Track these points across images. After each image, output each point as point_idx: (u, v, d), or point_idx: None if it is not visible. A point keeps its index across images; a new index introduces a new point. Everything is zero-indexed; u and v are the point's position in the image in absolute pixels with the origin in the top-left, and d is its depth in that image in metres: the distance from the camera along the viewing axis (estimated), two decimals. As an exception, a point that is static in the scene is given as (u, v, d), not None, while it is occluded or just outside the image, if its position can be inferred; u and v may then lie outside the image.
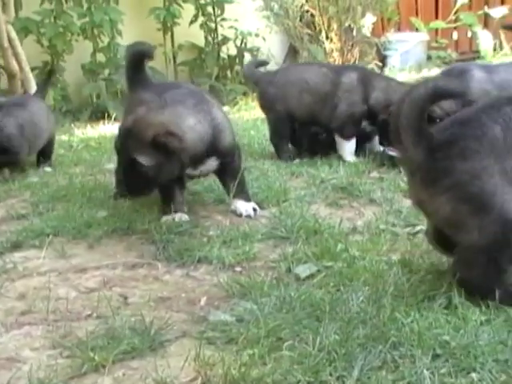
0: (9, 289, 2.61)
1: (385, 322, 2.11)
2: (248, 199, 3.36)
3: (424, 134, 2.25)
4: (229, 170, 3.28)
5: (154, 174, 2.95)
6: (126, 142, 2.94)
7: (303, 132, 4.54)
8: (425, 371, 1.85)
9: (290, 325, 2.15)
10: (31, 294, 2.55)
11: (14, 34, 5.23)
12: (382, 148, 4.43)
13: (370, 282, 2.43)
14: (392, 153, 4.16)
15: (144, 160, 2.90)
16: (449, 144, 2.24)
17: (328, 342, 2.01)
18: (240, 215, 3.31)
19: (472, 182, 2.20)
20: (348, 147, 4.37)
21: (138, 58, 3.54)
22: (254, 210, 3.34)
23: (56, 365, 2.03)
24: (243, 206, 3.32)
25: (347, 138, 4.36)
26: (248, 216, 3.30)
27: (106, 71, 7.09)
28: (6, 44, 5.15)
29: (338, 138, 4.40)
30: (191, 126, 3.02)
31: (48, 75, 4.96)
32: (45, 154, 4.56)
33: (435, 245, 2.52)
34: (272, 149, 4.55)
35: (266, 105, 4.56)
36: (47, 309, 2.39)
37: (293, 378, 1.85)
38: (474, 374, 1.84)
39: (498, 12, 9.49)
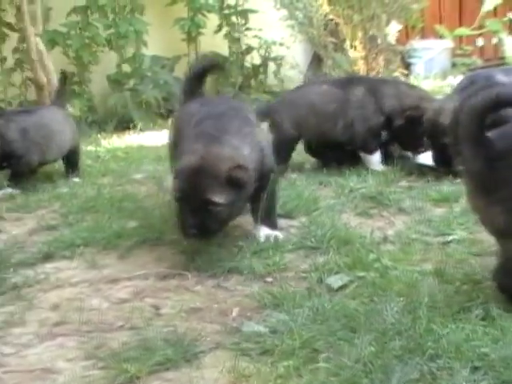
0: (42, 299, 2.62)
1: (421, 334, 2.08)
2: (274, 226, 3.11)
3: (483, 144, 2.20)
4: (261, 193, 3.02)
5: (229, 212, 2.81)
6: (195, 181, 2.74)
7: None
8: (464, 384, 1.83)
9: (324, 336, 2.13)
10: (64, 305, 2.56)
11: (42, 47, 5.29)
12: (410, 156, 4.41)
13: (403, 293, 2.40)
14: (421, 161, 4.13)
15: (219, 198, 2.73)
16: (509, 154, 2.18)
17: (364, 354, 1.98)
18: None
19: None
20: (374, 160, 4.36)
21: (204, 70, 3.47)
22: (276, 239, 3.06)
23: (90, 376, 2.03)
24: (265, 233, 3.07)
25: (371, 152, 4.35)
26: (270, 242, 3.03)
27: (132, 81, 7.14)
28: (35, 56, 5.20)
29: (362, 154, 4.39)
30: (248, 156, 2.88)
31: (61, 82, 4.96)
32: (71, 164, 4.58)
33: None
34: (299, 158, 4.54)
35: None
36: (80, 320, 2.40)
37: (330, 391, 1.83)
38: (514, 387, 1.81)
39: (523, 18, 9.40)
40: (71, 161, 4.59)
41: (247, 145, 2.90)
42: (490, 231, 2.34)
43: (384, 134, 4.34)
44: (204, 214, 2.74)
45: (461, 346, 1.99)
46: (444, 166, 3.87)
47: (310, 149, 4.59)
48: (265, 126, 3.16)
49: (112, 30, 6.89)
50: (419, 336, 2.07)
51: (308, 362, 1.99)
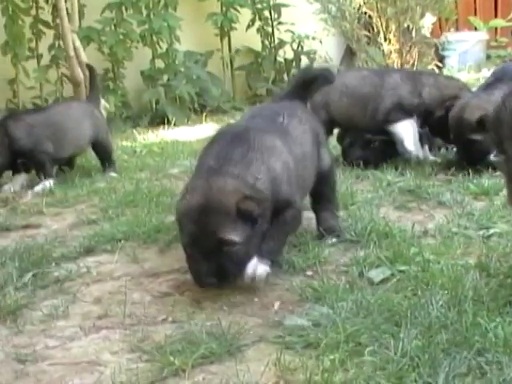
0: (84, 293, 2.65)
1: (467, 328, 2.06)
2: (268, 261, 2.57)
3: None
4: (275, 224, 2.61)
5: (246, 250, 2.47)
6: (204, 220, 2.41)
7: (354, 141, 4.43)
8: (513, 378, 1.80)
9: (368, 330, 2.12)
10: (106, 299, 2.58)
11: (78, 43, 5.34)
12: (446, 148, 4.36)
13: (447, 287, 2.38)
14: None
15: (235, 236, 2.42)
16: None
17: (410, 348, 1.97)
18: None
19: None
20: (405, 134, 4.17)
21: (308, 79, 3.19)
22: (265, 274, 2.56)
23: (137, 369, 2.04)
24: (252, 266, 2.52)
25: (396, 120, 4.17)
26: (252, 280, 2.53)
27: (165, 77, 7.17)
28: (72, 53, 5.25)
29: (390, 130, 4.22)
30: (255, 185, 2.53)
31: (90, 76, 4.98)
32: (101, 158, 4.63)
33: None
34: (336, 152, 4.52)
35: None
36: (123, 313, 2.42)
37: (376, 384, 1.83)
38: None
39: (559, 8, 9.25)
40: (100, 155, 4.63)
41: (253, 173, 2.53)
42: None
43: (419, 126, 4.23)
44: (220, 256, 2.41)
45: (509, 340, 1.97)
46: (469, 163, 3.83)
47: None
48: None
49: (146, 26, 6.92)
50: (465, 330, 2.05)
51: (353, 355, 1.99)
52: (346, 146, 4.40)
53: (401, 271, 2.61)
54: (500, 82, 3.84)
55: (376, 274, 2.61)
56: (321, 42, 7.90)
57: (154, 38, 6.99)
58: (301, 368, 1.93)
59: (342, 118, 4.33)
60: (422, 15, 7.22)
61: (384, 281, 2.55)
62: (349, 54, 8.48)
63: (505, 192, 3.39)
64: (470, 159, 3.85)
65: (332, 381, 1.85)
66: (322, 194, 3.04)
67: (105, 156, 4.63)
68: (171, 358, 2.04)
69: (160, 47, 7.10)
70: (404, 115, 4.18)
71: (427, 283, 2.45)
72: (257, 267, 2.52)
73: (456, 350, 1.95)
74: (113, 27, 6.81)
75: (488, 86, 3.92)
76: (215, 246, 2.41)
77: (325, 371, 1.89)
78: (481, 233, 2.99)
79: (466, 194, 3.54)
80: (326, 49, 7.96)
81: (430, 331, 2.07)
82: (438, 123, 4.18)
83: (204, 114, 6.96)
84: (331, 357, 1.97)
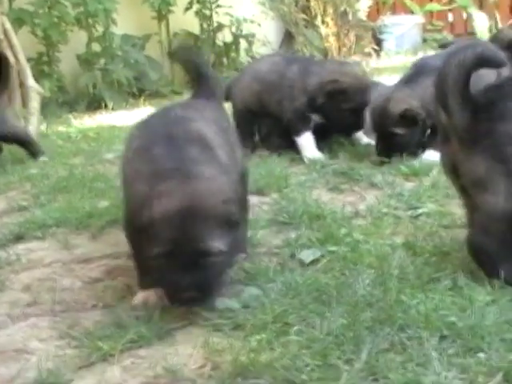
0: (14, 281, 2.61)
1: (391, 305, 2.11)
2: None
3: (469, 98, 2.27)
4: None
5: (229, 259, 2.28)
6: (187, 227, 2.15)
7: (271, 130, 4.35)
8: (433, 352, 1.86)
9: (296, 310, 2.15)
10: (36, 286, 2.55)
11: (8, 25, 5.19)
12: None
13: (374, 266, 2.44)
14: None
15: (221, 244, 2.18)
16: (489, 106, 2.28)
17: (335, 326, 2.01)
18: None
19: (510, 143, 2.23)
20: (304, 143, 4.09)
21: None
22: None
23: (64, 355, 2.03)
24: None
25: (298, 133, 4.10)
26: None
27: (102, 61, 7.07)
28: (1, 35, 5.12)
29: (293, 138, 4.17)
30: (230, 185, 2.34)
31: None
32: (23, 147, 4.50)
33: None
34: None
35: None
36: (53, 300, 2.40)
37: (301, 363, 1.86)
38: (481, 354, 1.85)
39: (492, -7, 9.45)
40: (20, 144, 4.50)
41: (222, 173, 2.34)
42: (467, 184, 2.33)
43: (315, 118, 4.09)
44: (201, 269, 2.14)
45: (430, 316, 2.03)
46: (387, 156, 3.80)
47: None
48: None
49: (81, 9, 6.80)
50: (389, 307, 2.11)
51: (280, 335, 2.02)
52: (265, 135, 4.35)
53: (331, 252, 2.65)
54: (420, 75, 3.80)
55: (307, 255, 2.64)
56: (259, 25, 7.89)
57: (90, 20, 6.87)
58: (228, 349, 1.95)
59: (255, 105, 4.28)
60: (359, -2, 7.30)
61: (314, 262, 2.59)
62: (288, 38, 8.50)
63: (434, 172, 3.50)
64: (389, 152, 3.82)
65: (258, 360, 1.88)
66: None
67: (24, 145, 4.50)
68: (99, 344, 2.04)
69: (96, 30, 6.99)
70: (302, 126, 4.09)
71: (355, 263, 2.50)
72: None
73: (379, 327, 2.00)
74: (46, 9, 6.66)
75: (409, 79, 3.89)
76: (199, 256, 2.14)
77: (251, 351, 1.92)
78: (409, 213, 3.06)
79: (397, 175, 3.61)
80: (265, 32, 7.96)
81: (355, 309, 2.11)
82: (323, 111, 4.05)
83: (142, 98, 6.89)
84: (258, 337, 2.00)
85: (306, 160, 3.99)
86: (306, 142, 4.09)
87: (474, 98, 2.29)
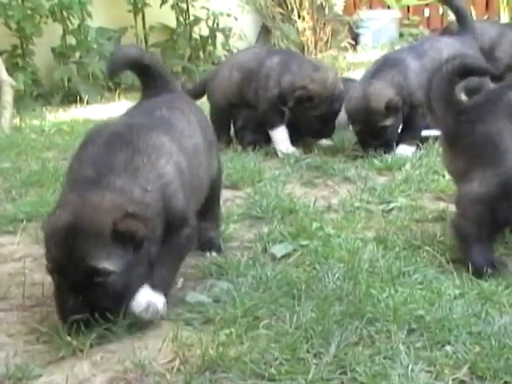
0: (-17, 276, 2.59)
1: (360, 299, 2.13)
2: (164, 292, 2.16)
3: (452, 103, 2.54)
4: (168, 247, 2.20)
5: (126, 280, 2.06)
6: (72, 244, 2.00)
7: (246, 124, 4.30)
8: (400, 346, 1.88)
9: (266, 304, 2.16)
10: (6, 280, 2.53)
11: (-20, 17, 5.13)
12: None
13: (345, 260, 2.45)
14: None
15: (109, 264, 2.02)
16: (471, 109, 2.53)
17: (305, 320, 2.03)
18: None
19: (487, 140, 2.43)
20: (278, 140, 4.07)
21: None
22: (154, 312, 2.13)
23: (33, 350, 2.02)
24: (144, 299, 2.11)
25: (270, 127, 4.09)
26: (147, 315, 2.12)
27: (77, 54, 6.99)
28: (-27, 27, 5.06)
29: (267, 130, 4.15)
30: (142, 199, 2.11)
31: None
32: None
33: None
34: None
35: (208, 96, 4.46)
36: (23, 294, 2.38)
37: (270, 356, 1.87)
38: (448, 347, 1.88)
39: (468, -12, 9.51)
40: None
41: (141, 184, 2.12)
42: (455, 179, 2.60)
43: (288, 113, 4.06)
44: (90, 290, 2.01)
45: (398, 310, 2.05)
46: (387, 147, 3.86)
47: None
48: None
49: (55, 1, 6.70)
50: (359, 301, 2.13)
51: (249, 329, 2.02)
52: (238, 129, 4.32)
53: (303, 246, 2.66)
54: (384, 68, 3.87)
55: (279, 250, 2.65)
56: (236, 18, 7.86)
57: (65, 13, 6.77)
58: (197, 343, 1.95)
59: (235, 96, 4.25)
60: (335, -7, 7.31)
61: (286, 256, 2.61)
62: (265, 32, 8.48)
63: (407, 166, 3.53)
64: (387, 144, 3.85)
65: (227, 355, 1.88)
66: (206, 201, 2.54)
67: None
68: (69, 339, 2.03)
69: (71, 23, 6.90)
70: (276, 119, 4.06)
71: (327, 257, 2.52)
72: (151, 300, 2.10)
73: (349, 320, 2.02)
74: (20, 1, 6.57)
75: (374, 74, 3.89)
76: (85, 275, 1.99)
77: (220, 345, 1.92)
78: (382, 207, 3.08)
79: (370, 169, 3.64)
80: (241, 26, 7.93)
81: (325, 303, 2.13)
82: (291, 113, 4.02)
83: (118, 92, 6.84)
84: (227, 331, 2.01)
85: (279, 154, 4.00)
86: (280, 135, 4.08)
87: (457, 104, 2.55)
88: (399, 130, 3.95)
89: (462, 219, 2.45)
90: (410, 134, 3.92)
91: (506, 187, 2.37)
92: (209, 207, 2.62)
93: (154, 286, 2.12)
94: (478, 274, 2.31)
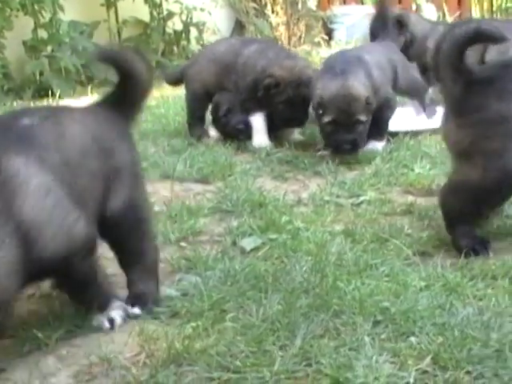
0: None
1: (327, 291, 2.14)
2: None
3: (463, 71, 2.37)
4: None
5: None
6: None
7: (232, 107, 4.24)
8: (365, 337, 1.89)
9: (234, 297, 2.17)
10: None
11: (-51, 11, 5.06)
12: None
13: (313, 253, 2.46)
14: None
15: None
16: (487, 82, 2.36)
17: (271, 313, 2.03)
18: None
19: (501, 122, 2.31)
20: (255, 129, 4.07)
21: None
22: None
23: (-2, 345, 2.01)
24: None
25: (248, 113, 4.08)
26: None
27: (49, 48, 6.93)
28: None
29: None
30: None
31: None
32: None
33: None
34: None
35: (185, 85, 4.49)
36: (-12, 289, 2.35)
37: (236, 349, 1.87)
38: (412, 338, 1.89)
39: (441, -16, 9.57)
40: None
41: None
42: (454, 153, 2.50)
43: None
44: None
45: (364, 302, 2.06)
46: (355, 148, 3.66)
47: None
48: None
49: (26, -6, 6.65)
50: (325, 293, 2.14)
51: (216, 322, 2.03)
52: (223, 114, 4.22)
53: (272, 239, 2.67)
54: (350, 67, 3.70)
55: (248, 243, 2.66)
56: (210, 13, 7.84)
57: (36, 6, 6.70)
58: (163, 337, 1.95)
59: (213, 86, 4.25)
60: (308, -12, 7.32)
61: (255, 249, 2.61)
62: (239, 27, 8.47)
63: (377, 161, 3.55)
64: (355, 141, 3.64)
65: (193, 347, 1.89)
66: (122, 246, 2.18)
67: None
68: (34, 333, 2.01)
69: (43, 17, 6.83)
70: (254, 107, 4.05)
71: (295, 250, 2.53)
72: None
73: (315, 313, 2.03)
74: (-10, -5, 6.50)
75: (341, 71, 3.67)
76: None
77: (186, 338, 1.92)
78: (351, 201, 3.10)
79: (340, 163, 3.64)
80: (215, 20, 7.91)
81: (292, 296, 2.13)
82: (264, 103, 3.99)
83: (90, 87, 6.79)
84: (193, 324, 2.01)
85: (251, 147, 4.00)
86: (257, 123, 4.07)
87: (468, 72, 2.38)
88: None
89: (452, 197, 2.47)
90: (379, 129, 3.83)
91: (508, 183, 2.35)
92: (127, 254, 2.20)
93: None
94: (465, 253, 2.40)
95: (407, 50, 4.68)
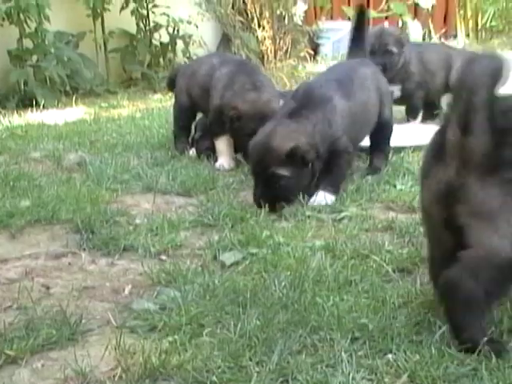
0: None
1: (306, 307, 2.14)
2: None
3: (492, 114, 1.90)
4: None
5: None
6: None
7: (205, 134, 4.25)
8: (343, 354, 1.89)
9: (212, 312, 2.16)
10: (-51, 286, 2.48)
11: None
12: None
13: (293, 268, 2.46)
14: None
15: None
16: None
17: (249, 328, 2.02)
18: None
19: None
20: (219, 152, 4.03)
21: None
22: None
23: (-29, 358, 1.98)
24: None
25: (214, 137, 4.05)
26: None
27: (34, 58, 6.91)
28: None
29: None
30: None
31: None
32: None
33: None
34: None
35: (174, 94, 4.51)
36: (-37, 300, 2.33)
37: (213, 364, 1.86)
38: (389, 355, 1.89)
39: (426, 2, 9.66)
40: None
41: None
42: (467, 214, 1.93)
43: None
44: None
45: (343, 318, 2.06)
46: (270, 201, 3.16)
47: None
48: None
49: (12, 3, 6.62)
50: (304, 309, 2.13)
51: (193, 337, 2.02)
52: (197, 138, 4.29)
53: (252, 254, 2.67)
54: (306, 106, 3.30)
55: (228, 257, 2.65)
56: (196, 26, 7.86)
57: (22, 16, 6.69)
58: (140, 351, 1.94)
59: (201, 102, 4.24)
60: (295, 3, 7.35)
61: (235, 264, 2.60)
62: (225, 40, 8.50)
63: (356, 176, 3.56)
64: (271, 198, 3.17)
65: (169, 362, 1.87)
66: None
67: None
68: (9, 346, 1.99)
69: (28, 26, 6.82)
70: (219, 131, 3.99)
71: (275, 265, 2.52)
72: None
73: (293, 328, 2.03)
74: (-24, 3, 6.48)
75: (293, 112, 3.30)
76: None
77: (163, 353, 1.91)
78: (333, 216, 3.10)
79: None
80: (202, 33, 7.92)
81: (270, 311, 2.13)
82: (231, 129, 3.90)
83: (75, 97, 6.78)
84: (170, 339, 1.99)
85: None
86: (221, 146, 4.01)
87: (499, 119, 1.92)
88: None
89: (473, 281, 1.88)
90: (331, 180, 3.33)
91: None
92: None
93: None
94: (473, 348, 1.86)
95: (385, 71, 4.27)
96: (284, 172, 3.16)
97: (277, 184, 3.17)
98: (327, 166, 3.34)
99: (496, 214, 1.90)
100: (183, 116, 4.36)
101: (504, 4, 9.65)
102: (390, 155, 3.86)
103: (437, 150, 2.00)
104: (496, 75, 1.89)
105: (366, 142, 3.76)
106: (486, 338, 1.87)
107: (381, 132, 3.69)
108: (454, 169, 1.93)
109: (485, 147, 1.89)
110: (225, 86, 3.98)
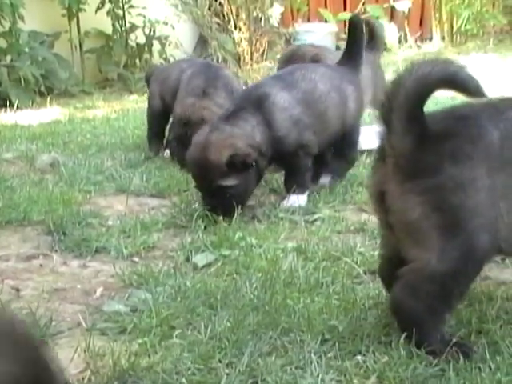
0: None
1: (276, 309, 2.14)
2: None
3: (419, 121, 1.86)
4: None
5: None
6: None
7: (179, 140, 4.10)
8: (312, 355, 1.89)
9: (183, 313, 2.16)
10: None
11: None
12: None
13: (264, 270, 2.46)
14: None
15: None
16: (441, 138, 1.86)
17: (220, 330, 2.02)
18: None
19: (456, 191, 1.82)
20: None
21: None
22: None
23: None
24: None
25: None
26: None
27: (8, 57, 6.86)
28: None
29: None
30: None
31: None
32: None
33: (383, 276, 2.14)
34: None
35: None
36: None
37: (183, 366, 1.86)
38: (359, 357, 1.90)
39: (402, 5, 9.74)
40: None
41: None
42: (397, 223, 1.91)
43: None
44: None
45: (313, 320, 2.07)
46: (225, 213, 3.03)
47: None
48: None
49: (-15, 3, 6.58)
50: (275, 311, 2.13)
51: (164, 339, 2.01)
52: (171, 140, 4.21)
53: (224, 255, 2.67)
54: (243, 110, 3.18)
55: (200, 259, 2.65)
56: (173, 27, 7.85)
57: (-5, 15, 6.66)
58: (110, 353, 1.93)
59: (173, 106, 4.16)
60: (271, 5, 7.37)
61: (208, 265, 2.60)
62: (202, 41, 8.50)
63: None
64: (223, 208, 3.04)
65: (139, 364, 1.87)
66: None
67: None
68: (-23, 349, 1.97)
69: (2, 26, 6.77)
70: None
71: (247, 267, 2.52)
72: None
73: (263, 330, 2.03)
74: None
75: (230, 115, 3.17)
76: None
77: (132, 355, 1.90)
78: (305, 218, 3.11)
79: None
80: (178, 35, 7.92)
81: (241, 313, 2.13)
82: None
83: (49, 97, 6.73)
84: (141, 341, 1.99)
85: None
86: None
87: (424, 123, 1.87)
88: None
89: (413, 299, 1.86)
90: (296, 181, 3.28)
91: (464, 264, 1.83)
92: None
93: None
94: (435, 353, 1.85)
95: None
96: (230, 182, 3.04)
97: (226, 194, 3.05)
98: (286, 168, 3.34)
99: (416, 225, 1.84)
100: (156, 121, 4.36)
101: (478, 8, 9.75)
102: (364, 157, 3.87)
103: (379, 152, 1.98)
104: (430, 82, 1.85)
105: (365, 142, 3.69)
106: (454, 340, 1.88)
107: (344, 137, 3.50)
108: (384, 172, 1.92)
109: (404, 147, 1.85)
110: (182, 90, 4.01)
